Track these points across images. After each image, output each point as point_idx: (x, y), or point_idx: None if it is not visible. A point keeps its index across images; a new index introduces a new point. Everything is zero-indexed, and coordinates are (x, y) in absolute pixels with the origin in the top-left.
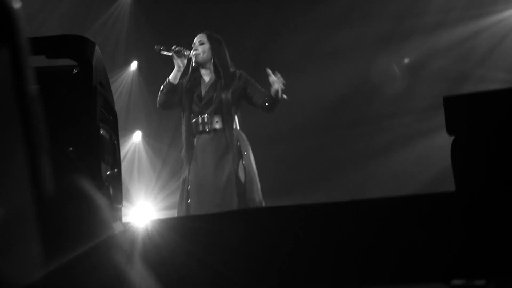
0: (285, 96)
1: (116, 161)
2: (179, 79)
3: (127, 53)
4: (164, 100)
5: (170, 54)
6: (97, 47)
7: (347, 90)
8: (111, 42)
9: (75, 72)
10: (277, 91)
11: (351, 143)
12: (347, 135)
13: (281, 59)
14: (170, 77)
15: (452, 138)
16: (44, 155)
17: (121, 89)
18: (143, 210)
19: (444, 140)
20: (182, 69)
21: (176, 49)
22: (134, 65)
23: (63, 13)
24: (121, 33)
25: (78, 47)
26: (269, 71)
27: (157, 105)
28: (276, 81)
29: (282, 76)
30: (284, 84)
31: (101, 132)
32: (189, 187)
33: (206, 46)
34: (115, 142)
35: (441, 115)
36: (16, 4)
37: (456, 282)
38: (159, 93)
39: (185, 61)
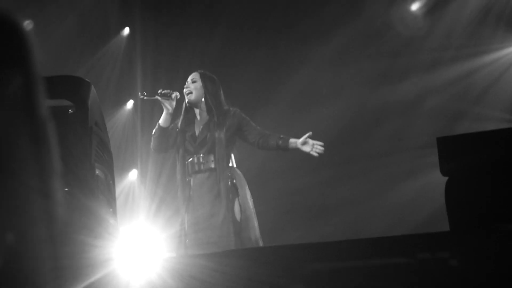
0: (316, 154)
1: (110, 201)
2: (171, 122)
3: (121, 91)
4: (157, 144)
5: (155, 99)
6: (92, 88)
7: (343, 128)
8: (104, 80)
9: (71, 112)
10: (296, 146)
11: (347, 180)
12: (343, 172)
13: (277, 97)
14: (160, 121)
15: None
16: (57, 178)
17: (117, 127)
18: (141, 251)
19: (440, 178)
20: (171, 111)
21: (163, 92)
22: (130, 104)
23: (57, 50)
24: (114, 72)
25: (74, 87)
26: (309, 136)
27: (152, 149)
28: (309, 145)
29: (277, 113)
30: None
31: (97, 172)
32: (186, 226)
33: (198, 84)
34: (110, 181)
35: (436, 154)
36: (28, 26)
37: (422, 255)
38: (152, 137)
39: (174, 103)
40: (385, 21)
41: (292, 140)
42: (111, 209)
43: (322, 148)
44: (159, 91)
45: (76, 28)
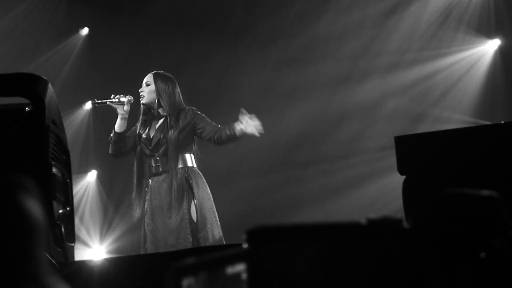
0: (257, 134)
1: (68, 200)
2: (126, 126)
3: (79, 91)
4: (115, 149)
5: (107, 105)
6: (50, 85)
7: (302, 130)
8: (59, 80)
9: (28, 110)
10: (241, 131)
11: (306, 182)
12: (302, 174)
13: (237, 99)
14: (115, 126)
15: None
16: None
17: (71, 127)
18: (95, 252)
19: (400, 179)
20: (125, 115)
21: (114, 99)
22: (88, 105)
23: (8, 49)
24: (70, 71)
25: (30, 85)
26: (243, 110)
27: (110, 154)
28: (247, 123)
29: (238, 115)
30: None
31: (53, 170)
32: (145, 229)
33: (152, 87)
34: (68, 180)
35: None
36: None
37: (372, 216)
38: (110, 142)
39: (127, 107)
40: (346, 23)
41: (235, 125)
42: (68, 208)
43: (260, 127)
44: (111, 96)
45: (29, 26)
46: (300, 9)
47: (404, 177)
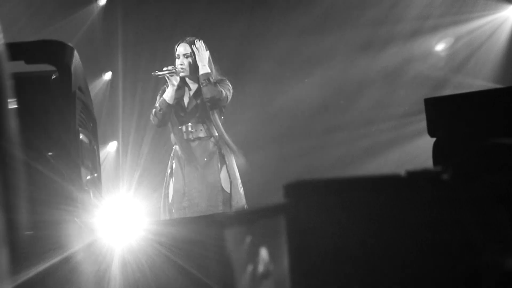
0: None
1: (95, 166)
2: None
3: (100, 61)
4: (162, 120)
5: (163, 75)
6: (76, 52)
7: (326, 97)
8: (83, 49)
9: (54, 78)
10: None
11: (330, 149)
12: (326, 141)
13: (258, 67)
14: (166, 97)
15: (433, 140)
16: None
17: (95, 97)
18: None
19: (421, 146)
20: (176, 87)
21: (169, 68)
22: (108, 75)
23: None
24: (93, 40)
25: (57, 52)
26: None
27: (154, 124)
28: None
29: (260, 82)
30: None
31: (81, 137)
32: (172, 194)
33: (191, 59)
34: (95, 147)
35: (419, 121)
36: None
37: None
38: (155, 111)
39: (179, 78)
40: None
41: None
42: (95, 174)
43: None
44: (164, 69)
45: None
46: None
47: (428, 143)
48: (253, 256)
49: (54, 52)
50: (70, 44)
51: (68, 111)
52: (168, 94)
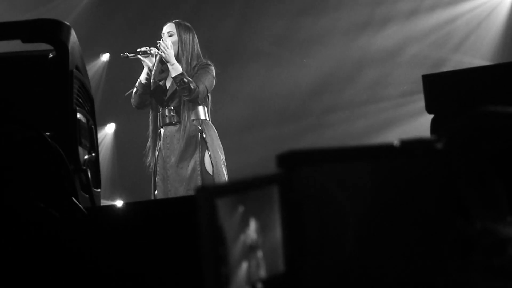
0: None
1: (93, 146)
2: (151, 77)
3: (96, 44)
4: (139, 101)
5: (136, 57)
6: (72, 31)
7: (323, 77)
8: (81, 30)
9: (51, 57)
10: None
11: (329, 129)
12: (325, 121)
13: (256, 47)
14: (142, 78)
15: (431, 116)
16: None
17: (92, 78)
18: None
19: (421, 125)
20: (152, 67)
21: (142, 50)
22: (105, 57)
23: None
24: (91, 21)
25: (53, 30)
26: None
27: (133, 106)
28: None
29: (257, 63)
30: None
31: (78, 116)
32: (156, 178)
33: (175, 37)
34: (92, 126)
35: (418, 101)
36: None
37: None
38: (133, 94)
39: (154, 59)
40: None
41: None
42: (93, 154)
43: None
44: (138, 50)
45: None
46: None
47: (427, 123)
48: (245, 226)
49: (51, 30)
50: (67, 22)
51: (65, 90)
52: (143, 75)
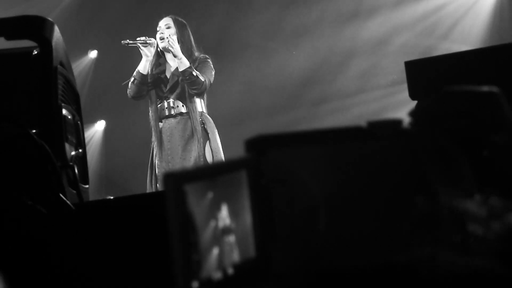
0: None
1: (80, 142)
2: (149, 68)
3: (84, 40)
4: (136, 91)
5: (135, 45)
6: (56, 27)
7: (312, 67)
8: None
9: (35, 53)
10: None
11: (319, 120)
12: (314, 112)
13: (245, 39)
14: (140, 67)
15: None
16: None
17: (78, 75)
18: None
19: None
20: (150, 58)
21: (142, 39)
22: (93, 54)
23: None
24: (78, 17)
25: (37, 27)
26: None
27: (129, 96)
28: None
29: (247, 56)
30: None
31: (64, 112)
32: (157, 171)
33: (172, 30)
34: (78, 122)
35: (407, 90)
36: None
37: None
38: (130, 84)
39: (152, 50)
40: None
41: None
42: (80, 150)
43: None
44: (137, 39)
45: None
46: None
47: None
48: (215, 211)
49: (34, 27)
50: (50, 18)
51: (49, 86)
52: (142, 65)
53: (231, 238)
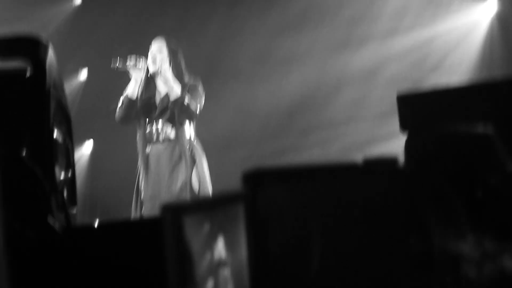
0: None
1: (70, 165)
2: (137, 92)
3: (75, 60)
4: (124, 115)
5: (126, 69)
6: (50, 48)
7: (302, 96)
8: (57, 46)
9: (28, 75)
10: None
11: (308, 148)
12: (302, 141)
13: (235, 66)
14: (129, 91)
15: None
16: None
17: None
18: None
19: (399, 147)
20: (139, 82)
21: (132, 60)
22: (84, 73)
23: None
24: (68, 38)
25: (31, 48)
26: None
27: (117, 120)
28: None
29: (237, 82)
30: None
31: (55, 135)
32: (142, 195)
33: (164, 54)
34: (69, 145)
35: (397, 121)
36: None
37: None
38: (118, 108)
39: (142, 73)
40: None
41: None
42: (70, 173)
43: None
44: (128, 58)
45: None
46: None
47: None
48: (212, 243)
49: (28, 48)
50: (44, 39)
51: (42, 109)
52: (130, 89)
53: (226, 271)
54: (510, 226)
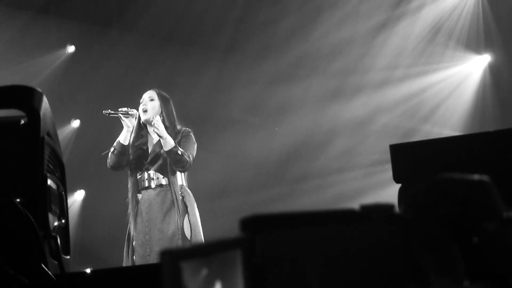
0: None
1: (63, 212)
2: (129, 139)
3: (66, 110)
4: (116, 162)
5: (117, 116)
6: (44, 97)
7: (294, 145)
8: (50, 93)
9: (23, 123)
10: None
11: (298, 198)
12: (294, 189)
13: (228, 115)
14: (121, 138)
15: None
16: None
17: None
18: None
19: (391, 195)
20: (131, 129)
21: (124, 110)
22: (76, 123)
23: None
24: (61, 85)
25: (25, 97)
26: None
27: (109, 166)
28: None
29: (229, 130)
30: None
31: (49, 182)
32: (134, 242)
33: (156, 103)
34: (62, 192)
35: (389, 170)
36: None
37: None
38: (110, 154)
39: (134, 120)
40: (335, 40)
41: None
42: (63, 220)
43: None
44: (119, 109)
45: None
46: (290, 25)
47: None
48: None
49: (23, 97)
50: (39, 89)
51: (36, 156)
52: (122, 135)
53: None
54: (506, 272)
